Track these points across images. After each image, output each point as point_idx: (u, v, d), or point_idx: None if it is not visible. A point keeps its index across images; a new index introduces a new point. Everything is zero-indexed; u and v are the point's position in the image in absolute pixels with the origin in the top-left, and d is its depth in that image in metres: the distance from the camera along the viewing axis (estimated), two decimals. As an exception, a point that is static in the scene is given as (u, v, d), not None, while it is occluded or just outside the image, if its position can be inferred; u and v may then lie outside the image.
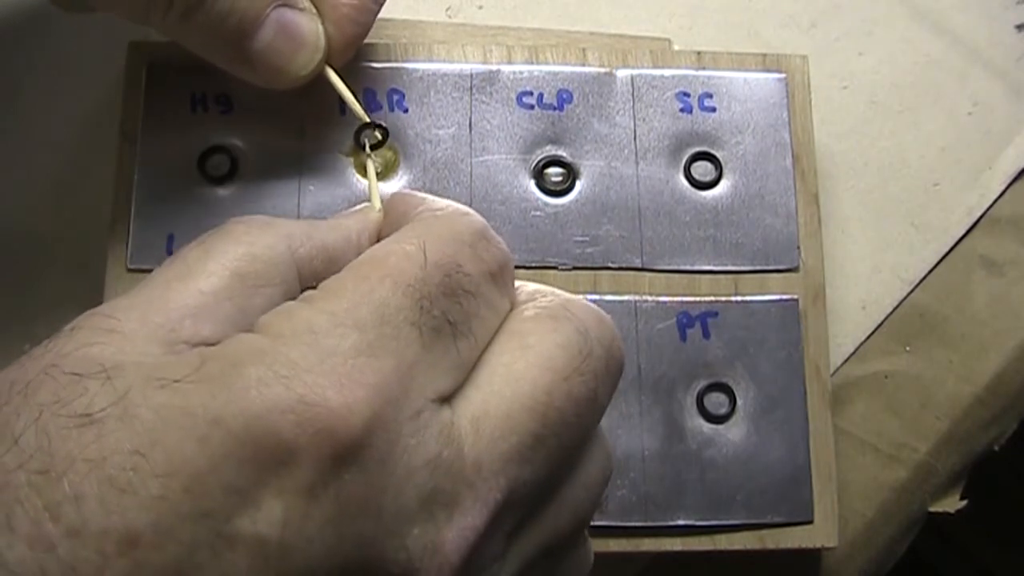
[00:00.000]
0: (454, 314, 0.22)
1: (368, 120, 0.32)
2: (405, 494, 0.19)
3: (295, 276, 0.23)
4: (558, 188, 0.34)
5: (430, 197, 0.26)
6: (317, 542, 0.18)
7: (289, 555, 0.18)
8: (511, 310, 0.24)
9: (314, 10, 0.30)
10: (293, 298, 0.22)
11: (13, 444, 0.18)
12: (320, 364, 0.19)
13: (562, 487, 0.23)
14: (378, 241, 0.26)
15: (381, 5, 0.32)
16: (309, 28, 0.30)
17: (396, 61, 0.35)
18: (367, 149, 0.32)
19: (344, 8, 0.31)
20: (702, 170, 0.35)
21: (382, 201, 0.28)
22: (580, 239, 0.34)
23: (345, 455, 0.19)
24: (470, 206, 0.33)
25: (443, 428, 0.20)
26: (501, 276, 0.23)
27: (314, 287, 0.22)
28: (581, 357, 0.22)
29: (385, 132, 0.33)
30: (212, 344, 0.21)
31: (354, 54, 0.32)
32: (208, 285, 0.22)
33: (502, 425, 0.21)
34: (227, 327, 0.21)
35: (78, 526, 0.17)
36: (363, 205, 0.28)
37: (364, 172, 0.34)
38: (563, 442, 0.22)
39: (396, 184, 0.34)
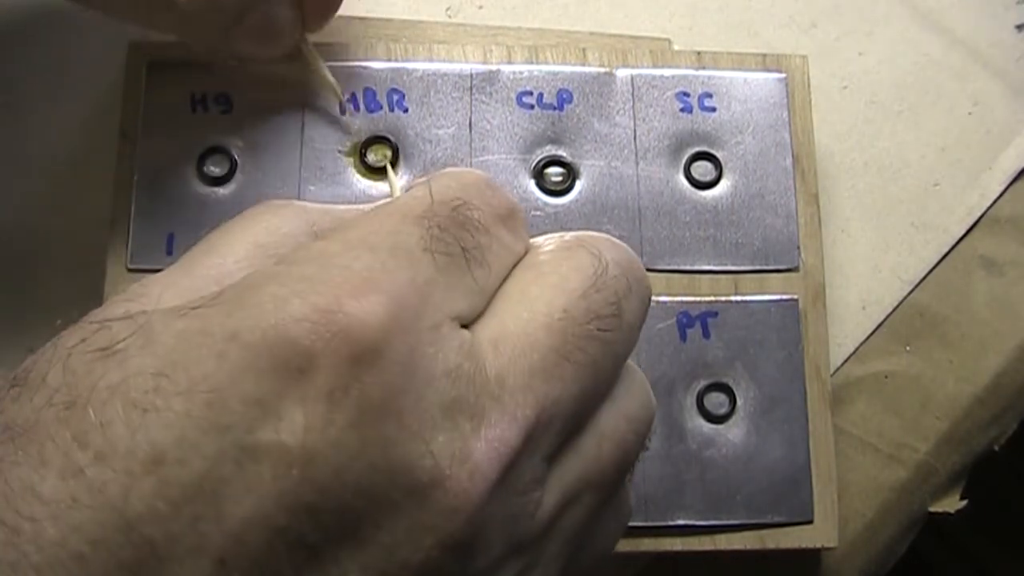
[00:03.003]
0: (465, 241, 0.22)
1: (340, 97, 0.33)
2: (426, 399, 0.19)
3: None
4: (558, 188, 0.34)
5: None
6: (340, 447, 0.18)
7: (313, 461, 0.18)
8: (526, 253, 0.24)
9: None
10: None
11: (42, 384, 0.18)
12: (334, 277, 0.19)
13: (598, 413, 0.23)
14: None
15: None
16: (286, 16, 0.32)
17: (396, 61, 0.35)
18: (389, 168, 0.33)
19: None
20: (702, 170, 0.35)
21: None
22: (580, 239, 0.34)
23: (363, 357, 0.19)
24: (470, 206, 0.34)
25: (463, 343, 0.20)
26: (512, 219, 0.24)
27: None
28: (596, 275, 0.23)
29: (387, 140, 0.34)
30: None
31: (329, 22, 0.33)
32: (231, 256, 0.22)
33: (521, 343, 0.21)
34: None
35: (105, 450, 0.17)
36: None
37: (363, 173, 0.34)
38: (589, 358, 0.22)
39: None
